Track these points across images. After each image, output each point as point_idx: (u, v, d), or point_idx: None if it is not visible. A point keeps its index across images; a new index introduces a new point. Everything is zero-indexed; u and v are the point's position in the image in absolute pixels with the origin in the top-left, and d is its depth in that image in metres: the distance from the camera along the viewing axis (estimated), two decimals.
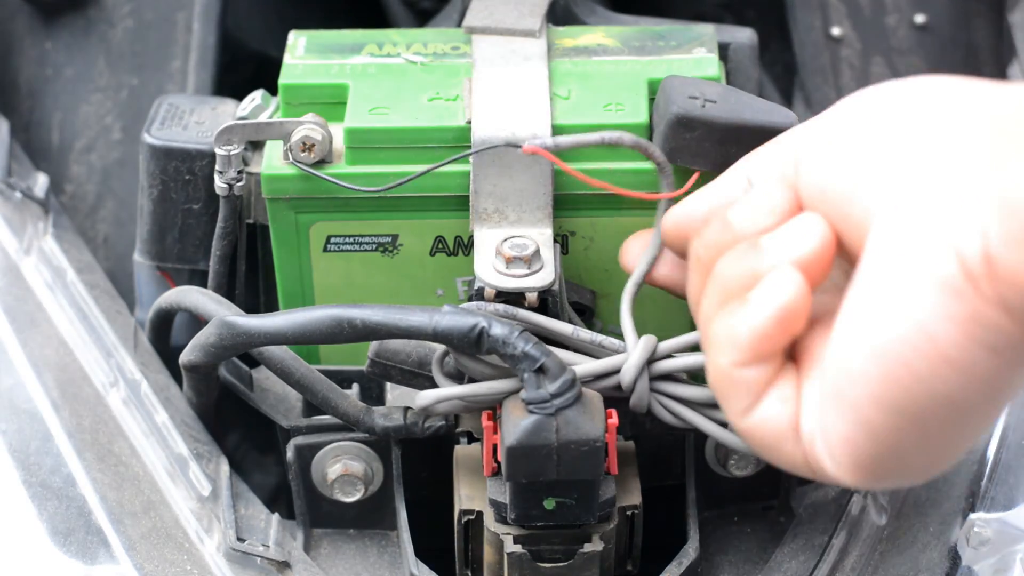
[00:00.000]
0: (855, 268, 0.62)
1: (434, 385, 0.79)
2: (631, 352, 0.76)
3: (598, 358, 0.77)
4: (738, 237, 0.66)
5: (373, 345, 0.79)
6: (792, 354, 0.67)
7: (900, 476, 0.63)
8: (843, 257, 0.66)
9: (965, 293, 0.57)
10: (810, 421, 0.64)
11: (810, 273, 0.64)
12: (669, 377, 0.76)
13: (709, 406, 0.76)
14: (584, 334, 0.77)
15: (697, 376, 0.77)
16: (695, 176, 0.79)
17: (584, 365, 0.75)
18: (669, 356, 0.76)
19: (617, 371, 0.76)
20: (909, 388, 0.59)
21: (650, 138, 0.82)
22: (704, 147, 0.79)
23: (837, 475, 0.63)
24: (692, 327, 0.86)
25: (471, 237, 0.82)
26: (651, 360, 0.76)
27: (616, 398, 0.77)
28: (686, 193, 0.77)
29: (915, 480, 0.65)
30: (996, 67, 1.12)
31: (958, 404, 0.59)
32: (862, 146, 0.64)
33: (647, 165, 0.81)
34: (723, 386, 0.66)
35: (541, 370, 0.73)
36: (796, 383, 0.65)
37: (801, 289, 0.64)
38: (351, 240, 0.84)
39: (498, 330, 0.73)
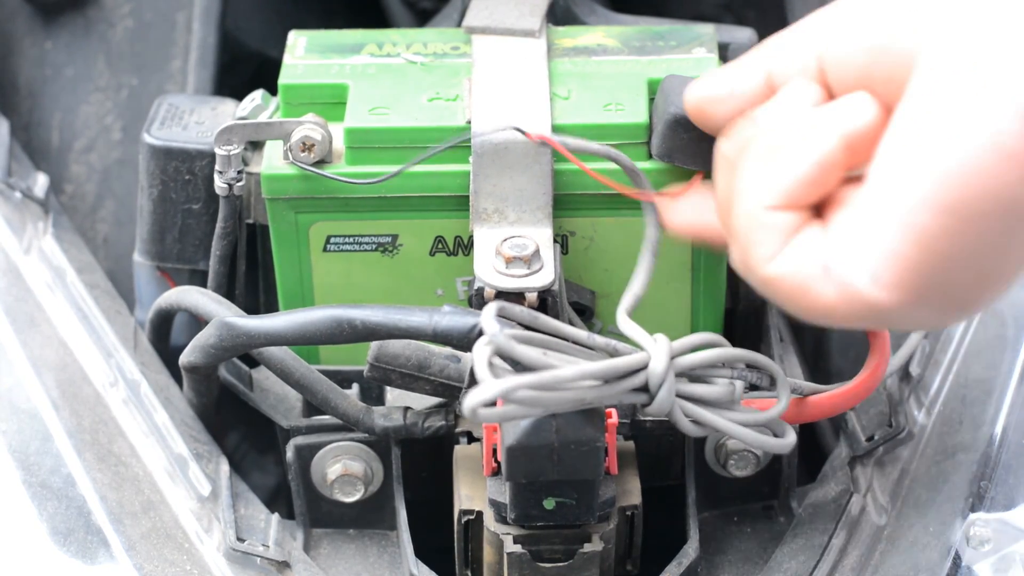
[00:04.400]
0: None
1: (434, 389, 0.79)
2: (653, 347, 0.72)
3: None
4: (769, 136, 0.68)
5: (372, 349, 0.78)
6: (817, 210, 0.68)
7: (945, 296, 0.63)
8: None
9: None
10: (844, 252, 0.64)
11: (855, 149, 0.66)
12: (687, 378, 0.73)
13: (727, 406, 0.74)
14: (599, 340, 0.73)
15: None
16: (697, 177, 0.79)
17: (606, 363, 0.71)
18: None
19: (642, 368, 0.71)
20: (967, 186, 0.60)
21: (649, 138, 0.82)
22: (702, 147, 0.78)
23: (879, 297, 0.63)
24: (690, 330, 0.86)
25: (471, 237, 0.82)
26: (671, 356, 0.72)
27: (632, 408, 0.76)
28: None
29: (959, 307, 0.64)
30: None
31: (1017, 208, 0.60)
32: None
33: (647, 165, 0.81)
34: (750, 230, 0.68)
35: None
36: (822, 228, 0.66)
37: (841, 145, 0.66)
38: (351, 240, 0.84)
39: None
